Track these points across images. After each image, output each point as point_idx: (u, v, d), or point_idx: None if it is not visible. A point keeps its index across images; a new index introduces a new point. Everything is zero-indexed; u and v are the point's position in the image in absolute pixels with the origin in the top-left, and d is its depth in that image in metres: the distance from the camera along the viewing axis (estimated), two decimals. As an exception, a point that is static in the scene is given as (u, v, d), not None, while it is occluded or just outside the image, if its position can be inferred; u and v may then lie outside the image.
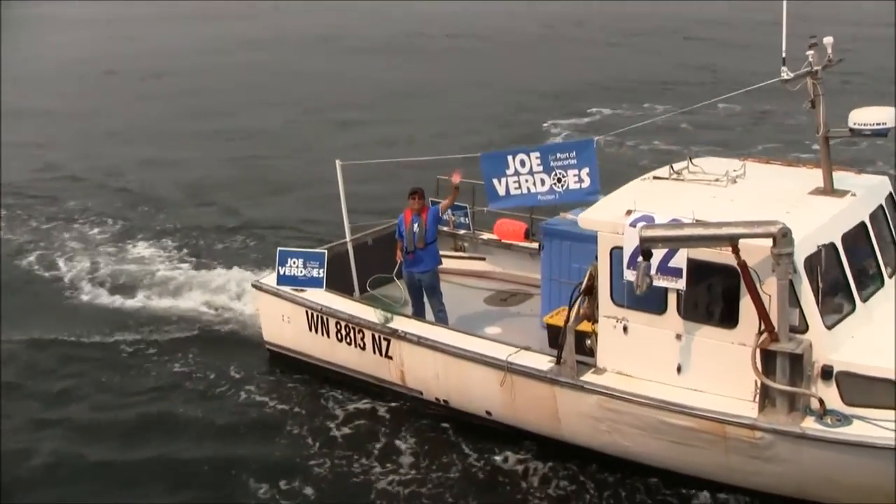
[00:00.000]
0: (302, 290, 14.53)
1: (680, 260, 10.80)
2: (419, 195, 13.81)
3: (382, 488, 12.03)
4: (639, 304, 11.34)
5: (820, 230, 10.79)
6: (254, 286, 15.23)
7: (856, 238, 11.36)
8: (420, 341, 13.08)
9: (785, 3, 11.27)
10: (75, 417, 14.02)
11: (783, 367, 10.33)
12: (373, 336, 13.64)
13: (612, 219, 11.43)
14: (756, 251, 10.23)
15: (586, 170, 13.43)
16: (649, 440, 11.36)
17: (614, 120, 31.49)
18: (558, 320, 13.49)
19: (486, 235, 16.73)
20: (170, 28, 59.87)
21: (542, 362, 12.18)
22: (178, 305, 17.53)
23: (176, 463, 12.77)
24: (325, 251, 14.73)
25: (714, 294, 10.96)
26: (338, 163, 15.11)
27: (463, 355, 12.67)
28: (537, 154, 13.79)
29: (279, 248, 14.91)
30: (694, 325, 11.05)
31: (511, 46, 48.95)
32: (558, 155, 13.61)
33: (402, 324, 13.43)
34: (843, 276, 10.96)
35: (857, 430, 10.14)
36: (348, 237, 15.45)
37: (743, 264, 10.18)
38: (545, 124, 31.70)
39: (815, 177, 11.96)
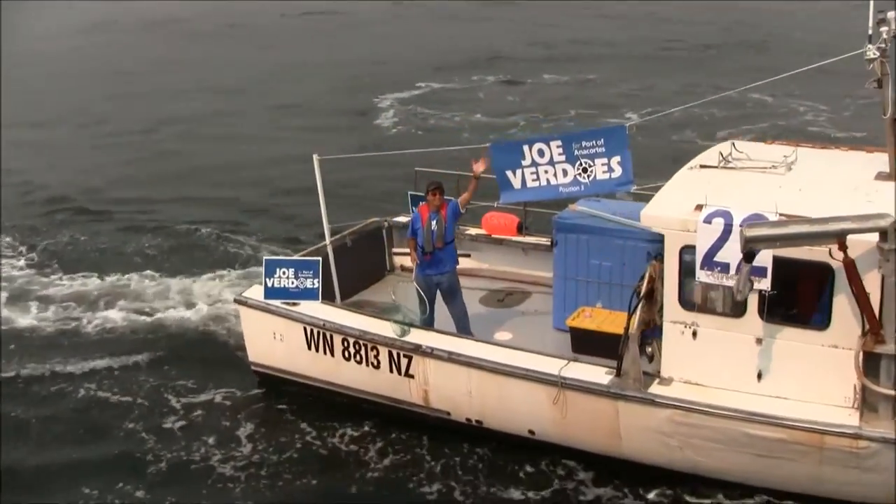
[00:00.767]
0: (295, 304, 12.98)
1: (765, 259, 9.88)
2: (440, 190, 12.44)
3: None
4: (712, 308, 10.39)
5: None
6: (237, 301, 13.52)
7: None
8: (451, 357, 11.76)
9: None
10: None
11: (888, 370, 9.57)
12: (389, 353, 12.22)
13: (682, 215, 10.41)
14: (859, 246, 9.40)
15: (617, 158, 12.34)
16: (728, 454, 10.45)
17: (443, 94, 32.56)
18: (583, 323, 12.52)
19: (472, 230, 15.43)
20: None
21: (599, 375, 11.09)
22: (141, 320, 15.87)
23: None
24: (320, 259, 13.18)
25: (803, 294, 10.10)
26: (315, 157, 13.63)
27: (505, 371, 11.44)
28: (559, 142, 12.62)
29: (265, 258, 13.27)
30: (777, 328, 10.17)
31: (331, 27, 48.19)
32: (584, 143, 12.48)
33: (425, 338, 12.06)
34: None
35: None
36: (328, 240, 14.00)
37: (850, 262, 9.32)
38: (375, 99, 31.99)
39: (873, 161, 11.25)
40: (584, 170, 12.55)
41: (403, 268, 15.74)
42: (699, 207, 10.30)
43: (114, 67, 40.08)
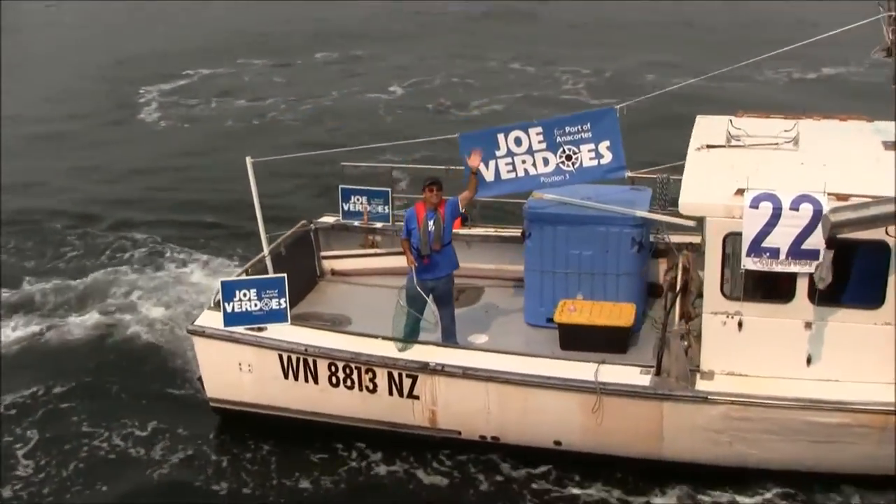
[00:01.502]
0: (262, 329, 11.46)
1: (816, 241, 9.49)
2: (438, 187, 11.25)
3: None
4: (758, 295, 9.94)
5: None
6: (191, 332, 11.75)
7: None
8: (467, 373, 10.70)
9: None
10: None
11: (949, 343, 9.47)
12: (389, 375, 10.98)
13: (725, 201, 9.83)
14: None
15: (605, 143, 11.71)
16: (782, 444, 10.07)
17: (214, 80, 31.41)
18: (572, 318, 11.86)
19: None
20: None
21: (634, 376, 10.41)
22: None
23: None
24: (285, 275, 11.71)
25: (856, 273, 9.81)
26: (248, 160, 12.24)
27: (534, 383, 10.52)
28: (538, 129, 11.83)
29: (222, 280, 11.65)
30: (828, 311, 9.84)
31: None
32: (567, 129, 11.76)
33: (432, 354, 10.92)
34: None
35: None
36: (266, 250, 12.64)
37: None
38: (141, 91, 30.16)
39: (871, 130, 11.21)
40: (568, 157, 11.83)
41: (334, 272, 14.50)
42: (740, 192, 9.77)
43: None
